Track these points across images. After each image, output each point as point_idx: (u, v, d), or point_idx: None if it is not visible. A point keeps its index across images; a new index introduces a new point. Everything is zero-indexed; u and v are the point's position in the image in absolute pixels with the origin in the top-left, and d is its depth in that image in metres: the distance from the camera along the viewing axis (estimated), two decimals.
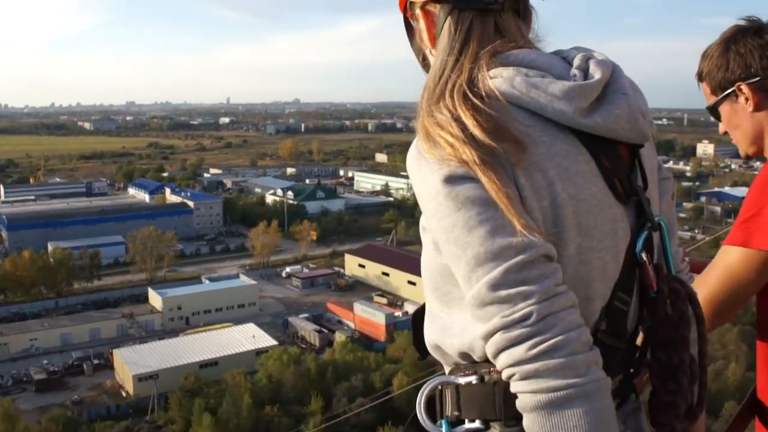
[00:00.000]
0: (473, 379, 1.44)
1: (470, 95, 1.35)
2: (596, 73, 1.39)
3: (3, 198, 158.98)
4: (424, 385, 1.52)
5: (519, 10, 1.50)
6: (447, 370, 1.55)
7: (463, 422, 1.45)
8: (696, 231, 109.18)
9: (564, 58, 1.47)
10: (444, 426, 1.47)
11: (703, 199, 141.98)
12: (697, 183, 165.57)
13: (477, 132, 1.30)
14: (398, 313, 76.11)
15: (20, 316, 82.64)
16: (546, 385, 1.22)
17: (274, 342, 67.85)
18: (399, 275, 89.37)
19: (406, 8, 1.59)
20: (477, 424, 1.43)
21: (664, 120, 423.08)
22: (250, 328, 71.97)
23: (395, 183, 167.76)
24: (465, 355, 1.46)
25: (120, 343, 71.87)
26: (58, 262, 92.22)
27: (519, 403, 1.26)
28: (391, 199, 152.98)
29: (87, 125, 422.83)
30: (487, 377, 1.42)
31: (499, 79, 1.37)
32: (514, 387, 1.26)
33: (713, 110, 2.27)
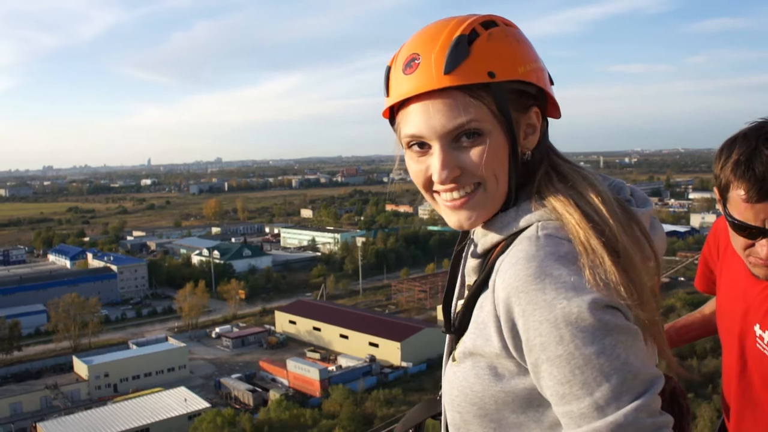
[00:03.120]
0: None
1: (626, 211, 1.41)
2: (649, 204, 1.51)
3: None
4: None
5: None
6: None
7: None
8: None
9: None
10: None
11: None
12: None
13: (649, 252, 1.37)
14: (332, 368, 75.70)
15: None
16: None
17: (207, 404, 66.40)
18: (330, 329, 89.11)
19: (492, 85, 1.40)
20: None
21: (582, 163, 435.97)
22: (182, 391, 70.33)
23: (322, 237, 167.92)
24: None
25: (44, 416, 69.24)
26: None
27: None
28: (319, 253, 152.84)
29: (2, 191, 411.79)
30: None
31: None
32: None
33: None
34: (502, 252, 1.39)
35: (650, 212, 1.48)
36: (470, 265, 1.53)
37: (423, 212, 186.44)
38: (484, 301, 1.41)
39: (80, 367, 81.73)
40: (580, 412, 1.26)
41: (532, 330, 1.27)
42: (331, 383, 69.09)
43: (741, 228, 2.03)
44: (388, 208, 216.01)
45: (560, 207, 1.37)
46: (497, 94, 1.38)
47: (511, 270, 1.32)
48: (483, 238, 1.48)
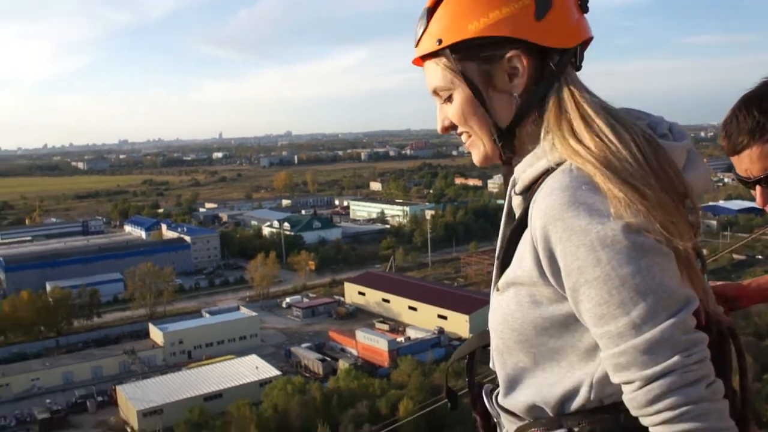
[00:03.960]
0: None
1: (654, 144, 1.46)
2: (686, 138, 1.57)
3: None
4: None
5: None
6: (512, 424, 1.61)
7: None
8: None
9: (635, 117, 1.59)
10: None
11: None
12: None
13: (677, 181, 1.43)
14: (400, 339, 76.11)
15: (21, 357, 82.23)
16: (716, 425, 1.31)
17: (278, 372, 67.65)
18: (400, 301, 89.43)
19: (457, 48, 1.56)
20: None
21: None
22: (253, 359, 71.78)
23: (391, 210, 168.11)
24: (559, 404, 1.51)
25: (122, 380, 71.62)
26: (57, 301, 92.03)
27: None
28: (388, 226, 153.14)
29: (81, 165, 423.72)
30: (576, 429, 1.47)
31: None
32: (678, 427, 1.31)
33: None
34: (539, 187, 1.47)
35: (685, 146, 1.53)
36: (514, 202, 1.63)
37: (492, 185, 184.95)
38: (525, 233, 1.49)
39: (156, 334, 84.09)
40: (617, 331, 1.33)
41: (569, 255, 1.36)
42: (399, 354, 69.47)
43: (741, 182, 2.02)
44: (457, 181, 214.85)
45: (572, 142, 1.46)
46: (449, 57, 1.55)
47: (546, 200, 1.40)
48: (521, 176, 1.56)
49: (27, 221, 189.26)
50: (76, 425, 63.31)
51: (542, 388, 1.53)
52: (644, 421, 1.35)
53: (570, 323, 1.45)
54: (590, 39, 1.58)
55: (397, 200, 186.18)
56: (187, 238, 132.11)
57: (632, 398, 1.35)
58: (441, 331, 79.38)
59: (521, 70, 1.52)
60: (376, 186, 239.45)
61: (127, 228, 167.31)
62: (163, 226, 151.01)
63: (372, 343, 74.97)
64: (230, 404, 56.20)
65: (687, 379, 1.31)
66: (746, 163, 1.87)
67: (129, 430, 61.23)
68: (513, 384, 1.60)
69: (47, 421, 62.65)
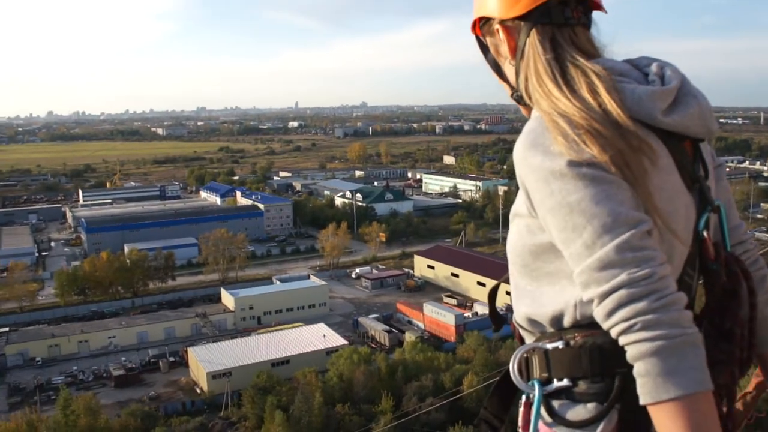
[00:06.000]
0: (560, 344, 1.70)
1: (601, 87, 1.61)
2: (674, 80, 1.67)
3: (81, 201, 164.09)
4: (516, 351, 1.78)
5: (588, 24, 1.79)
6: (531, 339, 1.82)
7: (552, 382, 1.72)
8: None
9: (635, 65, 1.76)
10: (537, 385, 1.72)
11: None
12: None
13: (621, 120, 1.56)
14: (468, 314, 75.80)
15: (99, 315, 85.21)
16: (666, 332, 1.42)
17: (345, 342, 68.31)
18: (468, 276, 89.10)
19: (480, 27, 1.91)
20: (565, 382, 1.69)
21: (740, 119, 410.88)
22: (321, 327, 72.62)
23: (463, 185, 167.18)
24: (555, 321, 1.72)
25: (194, 342, 73.40)
26: (134, 263, 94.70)
27: (634, 352, 1.46)
28: (460, 201, 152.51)
29: (160, 131, 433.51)
30: (572, 342, 1.68)
31: None
32: (632, 337, 1.46)
33: None
34: None
35: (666, 90, 1.64)
36: None
37: None
38: None
39: (227, 299, 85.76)
40: (576, 252, 1.54)
41: (533, 190, 1.61)
42: (466, 329, 69.22)
43: None
44: None
45: (537, 94, 1.70)
46: (479, 32, 1.92)
47: (517, 144, 1.66)
48: None
49: (108, 184, 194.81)
50: (149, 383, 65.22)
51: (539, 306, 1.75)
52: (611, 333, 1.51)
53: (558, 250, 1.63)
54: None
55: (470, 175, 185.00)
56: (261, 206, 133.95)
57: (595, 314, 1.52)
58: (509, 307, 78.48)
59: (503, 39, 1.81)
60: (449, 160, 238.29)
61: (203, 194, 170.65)
62: (238, 193, 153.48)
63: (439, 317, 74.97)
64: (297, 371, 57.08)
65: (634, 294, 1.45)
66: None
67: (198, 390, 62.78)
68: (517, 302, 1.84)
69: (122, 378, 64.78)
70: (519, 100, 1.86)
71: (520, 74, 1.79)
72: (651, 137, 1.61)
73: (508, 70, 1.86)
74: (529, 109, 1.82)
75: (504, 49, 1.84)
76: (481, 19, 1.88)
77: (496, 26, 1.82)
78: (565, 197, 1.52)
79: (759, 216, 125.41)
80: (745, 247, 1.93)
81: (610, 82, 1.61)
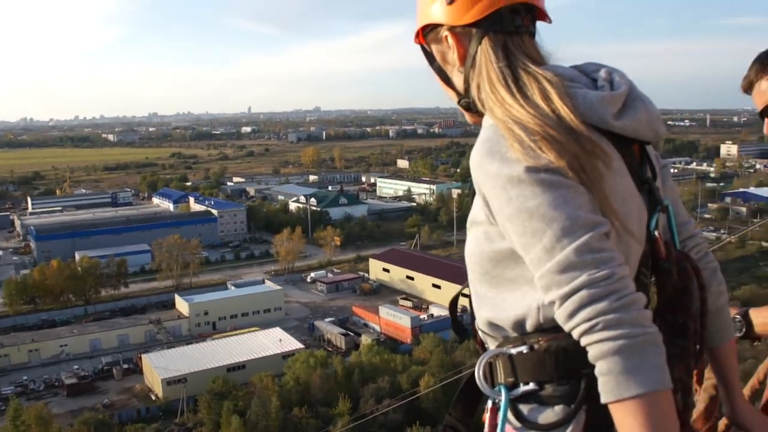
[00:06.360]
0: (524, 348, 1.69)
1: (554, 93, 1.62)
2: (622, 85, 1.70)
3: (30, 209, 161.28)
4: (480, 357, 1.76)
5: (533, 33, 1.78)
6: (494, 344, 1.81)
7: (518, 386, 1.71)
8: (721, 231, 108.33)
9: (583, 71, 1.77)
10: (503, 390, 1.72)
11: (728, 199, 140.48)
12: (721, 184, 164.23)
13: (575, 125, 1.58)
14: (423, 316, 76.37)
15: (50, 323, 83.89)
16: (627, 332, 1.44)
17: (301, 345, 68.28)
18: (424, 279, 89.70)
19: (424, 35, 1.87)
20: (531, 386, 1.69)
21: (687, 121, 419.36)
22: (277, 332, 72.48)
23: (417, 188, 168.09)
24: (517, 326, 1.71)
25: (148, 349, 72.78)
26: (86, 270, 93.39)
27: (596, 352, 1.47)
28: (414, 204, 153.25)
29: (111, 137, 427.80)
30: (536, 346, 1.68)
31: None
32: (593, 337, 1.48)
33: None
34: None
35: (616, 95, 1.66)
36: None
37: None
38: None
39: (182, 305, 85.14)
40: (537, 257, 1.54)
41: (491, 197, 1.61)
42: (422, 331, 69.72)
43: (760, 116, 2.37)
44: None
45: (491, 102, 1.69)
46: (423, 40, 1.89)
47: (473, 151, 1.64)
48: None
49: (58, 192, 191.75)
50: (103, 391, 64.46)
51: (500, 311, 1.73)
52: (573, 334, 1.52)
53: (518, 256, 1.63)
54: (514, 5, 1.72)
55: (423, 178, 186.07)
56: (215, 212, 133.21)
57: (557, 316, 1.53)
58: (464, 309, 79.30)
59: (452, 47, 1.78)
60: (403, 164, 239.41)
61: (156, 200, 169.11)
62: (191, 199, 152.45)
63: (395, 320, 75.37)
64: (253, 375, 57.00)
65: (595, 295, 1.47)
66: (757, 97, 2.25)
67: (153, 397, 62.24)
68: (478, 308, 1.82)
69: (75, 386, 63.90)
70: (467, 107, 1.84)
71: (471, 82, 1.77)
72: (603, 141, 1.62)
73: (456, 77, 1.84)
74: (475, 116, 1.83)
75: (452, 56, 1.81)
76: (426, 26, 1.84)
77: (445, 33, 1.79)
78: (524, 203, 1.53)
79: (706, 216, 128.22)
80: (696, 241, 1.99)
81: (562, 87, 1.62)
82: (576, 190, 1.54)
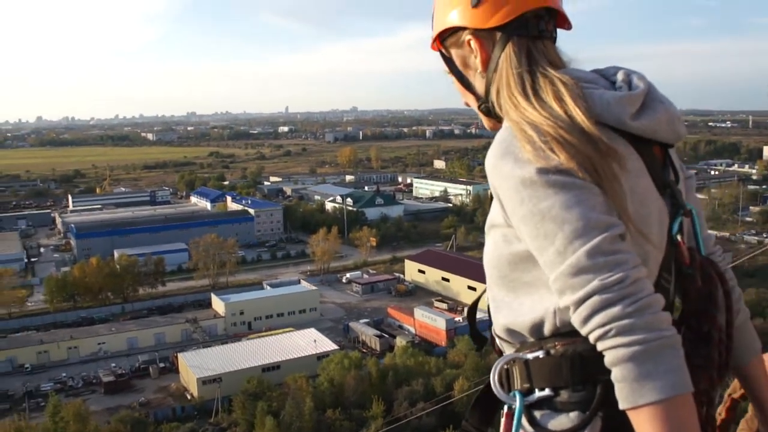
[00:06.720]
0: (540, 354, 1.67)
1: (567, 95, 1.62)
2: (640, 85, 1.69)
3: (71, 207, 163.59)
4: (496, 363, 1.75)
5: (554, 38, 1.80)
6: (511, 350, 1.80)
7: (533, 392, 1.69)
8: (764, 235, 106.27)
9: (603, 75, 1.77)
10: (518, 396, 1.69)
11: None
12: (764, 186, 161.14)
13: (587, 126, 1.57)
14: (459, 318, 75.78)
15: (89, 321, 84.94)
16: (641, 337, 1.42)
17: (336, 346, 68.19)
18: (459, 281, 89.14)
19: (442, 41, 1.89)
20: (547, 392, 1.67)
21: (728, 123, 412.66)
22: (312, 332, 72.50)
23: (454, 189, 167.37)
24: (534, 330, 1.70)
25: (184, 347, 73.37)
26: (124, 268, 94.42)
27: (611, 358, 1.45)
28: (450, 205, 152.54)
29: (150, 136, 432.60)
30: (552, 351, 1.66)
31: None
32: (608, 343, 1.46)
33: None
34: None
35: (633, 95, 1.66)
36: None
37: None
38: None
39: (218, 304, 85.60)
40: (550, 260, 1.54)
41: (505, 198, 1.61)
42: (457, 334, 69.23)
43: None
44: None
45: (507, 105, 1.70)
46: (441, 45, 1.91)
47: (489, 153, 1.65)
48: None
49: (98, 190, 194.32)
50: (139, 389, 65.00)
51: (518, 316, 1.73)
52: (589, 340, 1.51)
53: (535, 259, 1.62)
54: (537, 9, 1.75)
55: (460, 179, 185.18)
56: (251, 211, 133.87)
57: (573, 321, 1.52)
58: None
59: (475, 51, 1.80)
60: (440, 164, 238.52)
61: (193, 199, 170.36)
62: (228, 198, 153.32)
63: (430, 322, 74.99)
64: (287, 376, 56.99)
65: (607, 300, 1.45)
66: None
67: (189, 396, 62.61)
68: (496, 313, 1.82)
69: (112, 384, 64.53)
70: (487, 111, 1.85)
71: (492, 85, 1.79)
72: (619, 141, 1.62)
73: (477, 81, 1.85)
74: (494, 120, 1.84)
75: (474, 60, 1.82)
76: (445, 31, 1.85)
77: (467, 37, 1.81)
78: (536, 205, 1.53)
79: (748, 219, 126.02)
80: (715, 259, 1.88)
81: (576, 89, 1.63)
82: (590, 191, 1.53)
